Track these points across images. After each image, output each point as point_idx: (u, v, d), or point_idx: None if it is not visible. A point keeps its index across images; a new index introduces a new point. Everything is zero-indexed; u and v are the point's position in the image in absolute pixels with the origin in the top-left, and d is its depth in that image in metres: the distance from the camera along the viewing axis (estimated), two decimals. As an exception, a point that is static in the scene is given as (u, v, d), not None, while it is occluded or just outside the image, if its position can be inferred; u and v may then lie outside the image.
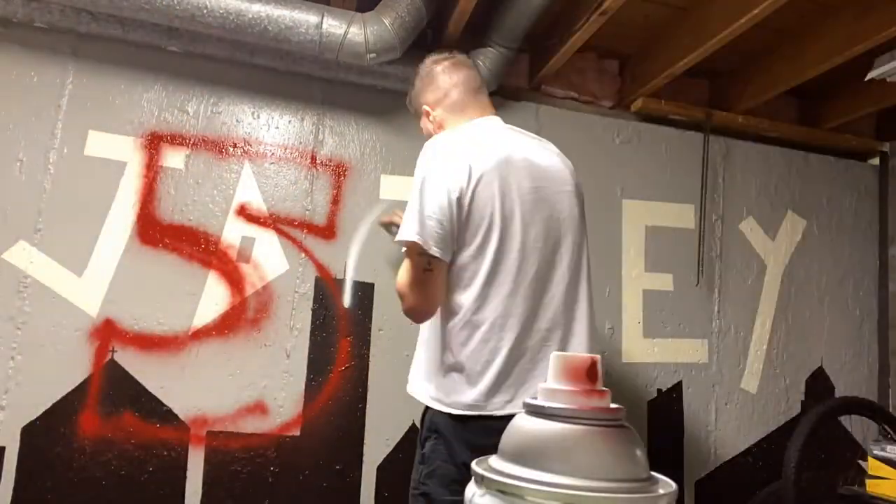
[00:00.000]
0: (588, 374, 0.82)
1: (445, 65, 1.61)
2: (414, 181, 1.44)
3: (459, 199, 1.38)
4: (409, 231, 1.39)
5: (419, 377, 1.53)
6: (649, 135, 2.65)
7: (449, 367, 1.44)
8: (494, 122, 1.58)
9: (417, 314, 1.47)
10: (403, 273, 1.45)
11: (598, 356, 0.88)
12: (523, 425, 0.82)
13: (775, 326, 2.71)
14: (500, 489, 0.73)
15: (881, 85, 2.41)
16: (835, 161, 2.89)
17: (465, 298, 1.42)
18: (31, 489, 1.93)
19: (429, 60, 1.65)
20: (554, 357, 0.88)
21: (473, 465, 0.80)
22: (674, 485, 0.78)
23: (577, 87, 2.59)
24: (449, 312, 1.45)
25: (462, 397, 1.40)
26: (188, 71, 2.20)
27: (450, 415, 1.41)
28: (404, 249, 1.45)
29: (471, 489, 0.80)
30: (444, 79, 1.59)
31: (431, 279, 1.41)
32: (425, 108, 1.63)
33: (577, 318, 1.49)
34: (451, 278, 1.44)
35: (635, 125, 2.64)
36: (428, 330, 1.53)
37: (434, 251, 1.37)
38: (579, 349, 1.45)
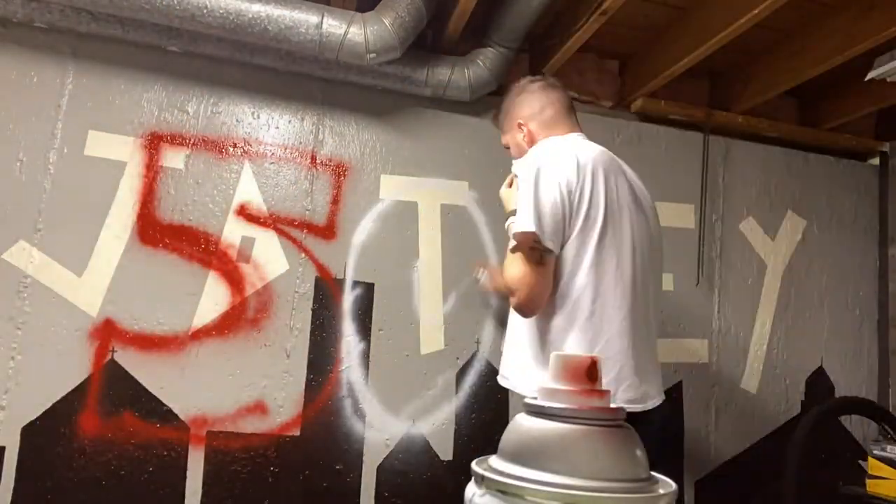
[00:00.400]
0: (588, 374, 0.82)
1: (541, 84, 1.73)
2: (524, 176, 1.47)
3: (570, 193, 1.44)
4: (526, 222, 1.41)
5: (518, 368, 1.54)
6: (649, 135, 2.65)
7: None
8: (584, 138, 1.66)
9: (529, 308, 1.47)
10: (514, 267, 1.45)
11: (598, 356, 0.88)
12: (523, 425, 0.82)
13: (775, 326, 2.70)
14: (500, 489, 0.73)
15: (881, 85, 2.40)
16: (835, 161, 2.89)
17: (567, 290, 1.45)
18: (31, 489, 1.93)
19: (524, 80, 1.76)
20: (554, 357, 0.88)
21: (473, 464, 0.80)
22: (674, 485, 0.78)
23: (577, 87, 2.58)
24: (550, 304, 1.47)
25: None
26: (188, 71, 2.20)
27: None
28: (513, 244, 1.46)
29: (471, 489, 0.80)
30: (540, 96, 1.70)
31: (544, 273, 1.43)
32: (519, 121, 1.71)
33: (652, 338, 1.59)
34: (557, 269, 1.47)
35: (635, 125, 2.63)
36: (525, 325, 1.54)
37: (548, 244, 1.41)
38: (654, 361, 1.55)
